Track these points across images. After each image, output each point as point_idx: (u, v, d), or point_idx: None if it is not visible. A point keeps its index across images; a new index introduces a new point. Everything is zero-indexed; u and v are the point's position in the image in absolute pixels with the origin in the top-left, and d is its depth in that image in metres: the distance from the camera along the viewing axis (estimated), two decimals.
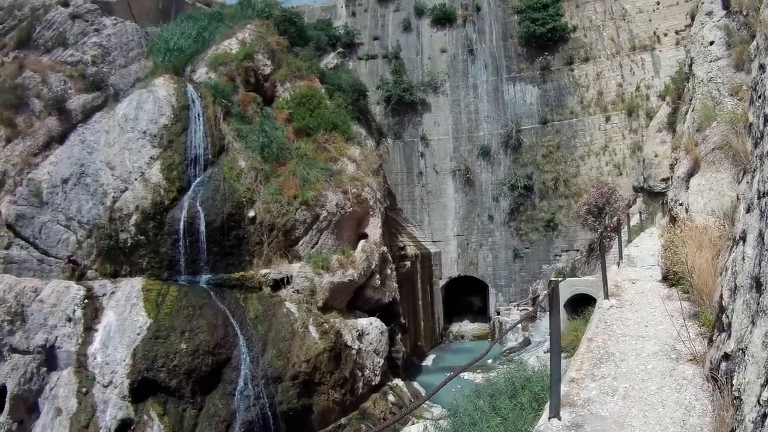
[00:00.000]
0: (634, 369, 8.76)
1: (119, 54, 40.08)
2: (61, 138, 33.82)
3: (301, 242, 32.51)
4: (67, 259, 30.40)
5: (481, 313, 54.35)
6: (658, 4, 50.80)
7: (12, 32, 38.07)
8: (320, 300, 30.28)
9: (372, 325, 32.08)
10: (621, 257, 22.54)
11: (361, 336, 30.94)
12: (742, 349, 5.11)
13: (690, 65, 24.11)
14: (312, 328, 28.41)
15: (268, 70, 40.27)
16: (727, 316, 6.03)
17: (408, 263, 43.82)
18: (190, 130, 33.27)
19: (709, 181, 16.37)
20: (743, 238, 6.03)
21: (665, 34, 50.09)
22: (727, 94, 18.95)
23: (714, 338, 6.92)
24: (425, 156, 56.11)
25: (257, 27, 42.36)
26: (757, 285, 5.08)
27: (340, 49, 57.95)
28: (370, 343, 31.41)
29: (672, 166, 26.41)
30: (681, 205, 18.19)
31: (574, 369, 9.10)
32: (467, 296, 55.21)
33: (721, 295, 6.52)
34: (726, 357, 5.76)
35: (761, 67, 6.81)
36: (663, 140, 41.09)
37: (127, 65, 40.08)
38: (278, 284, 30.33)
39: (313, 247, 32.52)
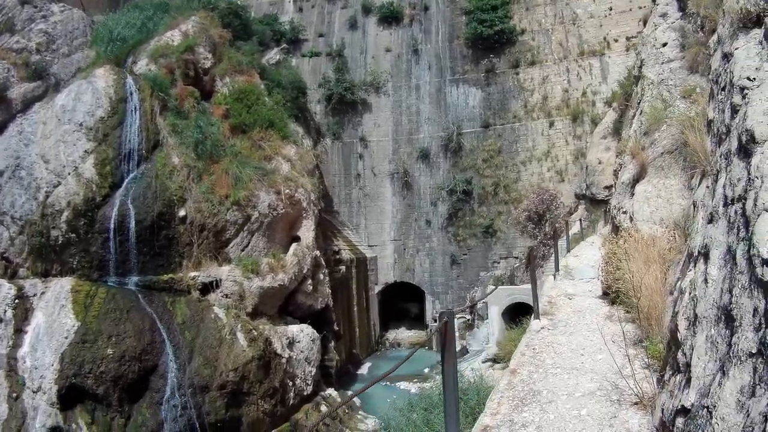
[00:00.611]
0: (564, 415, 7.22)
1: (64, 42, 38.82)
2: (0, 129, 32.51)
3: (231, 244, 31.32)
4: (0, 256, 29.29)
5: (418, 321, 53.24)
6: (611, 9, 49.98)
7: None
8: (249, 305, 29.08)
9: (303, 333, 30.96)
10: (558, 269, 20.85)
11: (291, 344, 29.79)
12: (707, 408, 3.93)
13: (640, 67, 23.16)
14: (240, 335, 27.21)
15: (208, 64, 39.02)
16: (684, 354, 4.86)
17: (343, 268, 42.97)
18: (126, 124, 32.06)
19: (657, 188, 15.28)
20: (705, 255, 4.91)
21: (616, 40, 49.35)
22: (678, 96, 17.79)
23: (666, 379, 5.65)
24: (364, 157, 54.86)
25: (201, 19, 41.17)
26: (727, 318, 3.96)
27: (283, 45, 56.29)
28: (301, 351, 30.28)
29: (616, 173, 25.31)
30: (625, 213, 17.00)
31: (489, 413, 7.70)
32: (404, 303, 54.06)
33: (676, 325, 5.35)
34: (684, 411, 4.55)
35: (725, 56, 5.84)
36: (607, 147, 40.46)
37: (71, 54, 38.85)
38: (207, 288, 29.11)
39: (243, 250, 31.31)
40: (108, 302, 26.52)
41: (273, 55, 50.73)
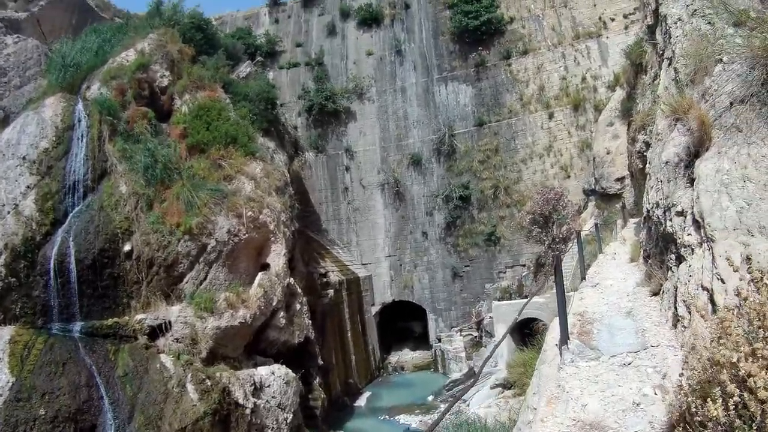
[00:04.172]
0: None
1: (16, 74, 37.46)
2: None
3: (186, 279, 27.48)
4: None
5: (422, 340, 49.84)
6: None
7: None
8: (204, 350, 25.10)
9: (274, 375, 26.88)
10: (567, 336, 10.39)
11: (258, 390, 25.69)
12: None
13: (655, 11, 18.39)
14: (190, 387, 23.21)
15: (166, 82, 35.68)
16: None
17: (331, 292, 39.54)
18: (71, 154, 29.26)
19: (739, 164, 8.66)
20: None
21: (612, 19, 46.42)
22: (728, 25, 12.19)
23: None
24: (351, 169, 51.86)
25: (159, 36, 38.07)
26: None
27: (258, 58, 53.99)
28: (273, 397, 26.19)
29: (640, 155, 20.29)
30: (681, 214, 9.85)
31: None
32: (406, 322, 50.91)
33: None
34: None
35: None
36: (615, 135, 37.77)
37: (23, 85, 37.36)
38: (156, 332, 25.32)
39: (201, 284, 27.49)
40: (45, 354, 23.33)
41: (244, 69, 47.34)
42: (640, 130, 20.90)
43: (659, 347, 8.32)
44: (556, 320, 11.08)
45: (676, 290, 9.26)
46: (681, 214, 9.90)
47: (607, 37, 46.17)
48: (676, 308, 9.16)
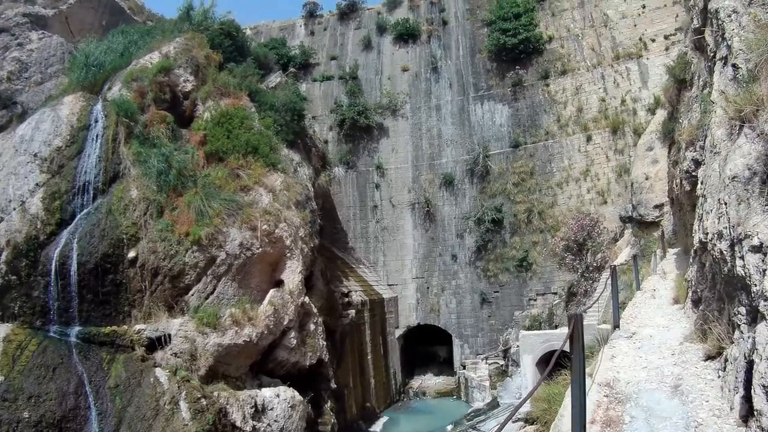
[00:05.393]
0: None
1: (37, 70, 36.80)
2: None
3: (192, 291, 26.06)
4: None
5: (447, 365, 48.40)
6: (644, 7, 45.62)
7: None
8: (203, 366, 23.57)
9: (279, 397, 25.20)
10: (582, 422, 6.55)
11: (259, 412, 24.01)
12: None
13: (703, 8, 16.42)
14: (183, 405, 21.73)
15: (189, 87, 34.51)
16: None
17: (353, 312, 38.16)
18: (84, 154, 28.52)
19: None
20: None
21: (653, 40, 44.84)
22: None
23: None
24: (381, 187, 50.72)
25: (186, 40, 37.05)
26: None
27: (291, 70, 52.81)
28: (275, 420, 24.48)
29: (689, 175, 17.93)
30: (757, 250, 7.13)
31: None
32: (431, 346, 49.44)
33: None
34: None
35: None
36: (655, 159, 36.57)
37: (44, 82, 36.58)
38: (155, 344, 24.02)
39: (207, 298, 26.02)
40: (37, 356, 22.72)
41: (273, 78, 46.04)
42: (688, 147, 18.42)
43: None
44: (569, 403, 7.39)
45: (749, 364, 6.87)
46: (758, 249, 7.17)
47: (648, 59, 44.78)
48: (748, 392, 6.69)
